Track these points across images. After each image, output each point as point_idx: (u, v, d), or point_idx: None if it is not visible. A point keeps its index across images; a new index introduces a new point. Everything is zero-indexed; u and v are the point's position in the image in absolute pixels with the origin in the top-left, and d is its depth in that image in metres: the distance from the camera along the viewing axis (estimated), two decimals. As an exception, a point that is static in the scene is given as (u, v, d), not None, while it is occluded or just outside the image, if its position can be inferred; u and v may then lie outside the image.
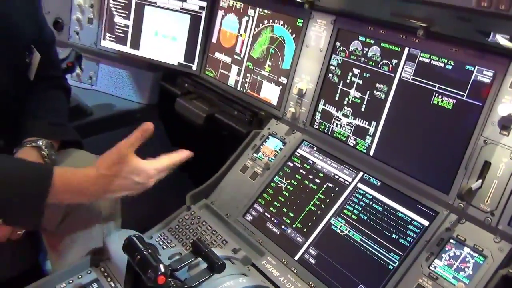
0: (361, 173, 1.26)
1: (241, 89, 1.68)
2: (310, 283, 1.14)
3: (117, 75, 2.10)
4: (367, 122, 1.29)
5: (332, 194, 1.26)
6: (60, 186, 1.02)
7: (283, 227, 1.28)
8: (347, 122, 1.35)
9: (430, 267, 1.03)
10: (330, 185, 1.28)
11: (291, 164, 1.38)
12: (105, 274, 1.10)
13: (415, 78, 1.19)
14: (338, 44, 1.37)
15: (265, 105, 1.59)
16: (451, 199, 1.09)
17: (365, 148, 1.29)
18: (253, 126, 1.61)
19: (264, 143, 1.49)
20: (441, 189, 1.11)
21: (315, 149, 1.38)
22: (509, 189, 1.00)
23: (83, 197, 1.09)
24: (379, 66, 1.27)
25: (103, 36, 1.97)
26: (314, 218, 1.24)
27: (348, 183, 1.26)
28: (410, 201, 1.14)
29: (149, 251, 0.80)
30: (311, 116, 1.43)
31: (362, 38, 1.31)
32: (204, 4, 1.78)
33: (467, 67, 1.09)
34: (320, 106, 1.41)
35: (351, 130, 1.33)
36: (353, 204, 1.22)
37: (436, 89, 1.15)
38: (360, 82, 1.31)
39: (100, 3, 1.96)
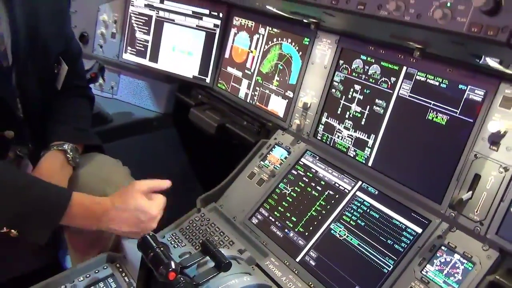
0: (360, 182, 1.29)
1: (251, 101, 1.71)
2: (310, 283, 1.17)
3: (136, 85, 2.16)
4: (366, 135, 1.32)
5: (333, 201, 1.30)
6: (75, 210, 1.10)
7: (286, 230, 1.31)
8: (348, 134, 1.37)
9: (422, 272, 1.06)
10: (331, 192, 1.32)
11: (295, 172, 1.42)
12: (120, 270, 1.14)
13: (412, 95, 1.22)
14: (341, 62, 1.40)
15: (272, 116, 1.62)
16: (443, 208, 1.11)
17: (364, 159, 1.32)
18: (261, 136, 1.64)
19: (270, 152, 1.52)
20: (434, 199, 1.13)
21: (317, 158, 1.41)
22: (497, 201, 1.02)
23: (93, 224, 1.14)
24: (378, 83, 1.30)
25: (124, 49, 2.03)
26: (315, 223, 1.28)
27: (347, 191, 1.29)
28: (405, 209, 1.17)
29: (162, 249, 0.82)
30: (315, 128, 1.46)
31: (364, 57, 1.34)
32: (218, 22, 1.82)
33: (460, 86, 1.12)
34: (323, 119, 1.44)
35: (351, 142, 1.36)
36: (352, 211, 1.25)
37: (431, 105, 1.17)
38: (361, 97, 1.34)
39: (123, 19, 2.01)
